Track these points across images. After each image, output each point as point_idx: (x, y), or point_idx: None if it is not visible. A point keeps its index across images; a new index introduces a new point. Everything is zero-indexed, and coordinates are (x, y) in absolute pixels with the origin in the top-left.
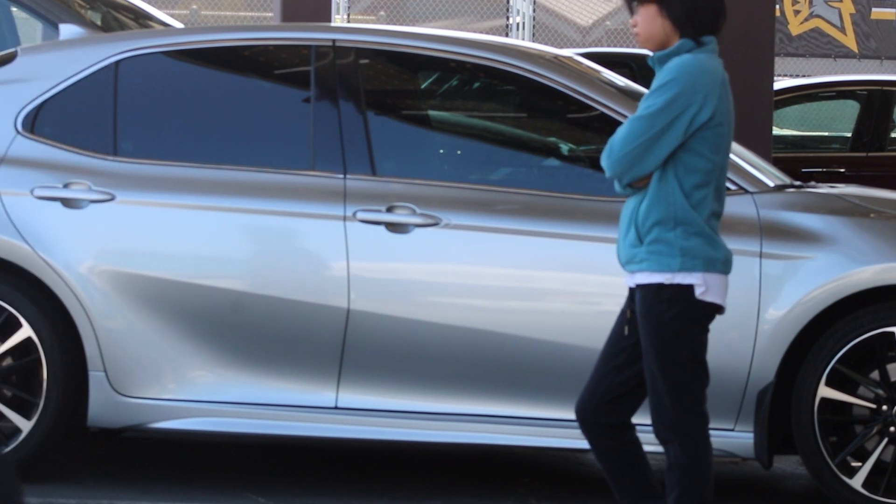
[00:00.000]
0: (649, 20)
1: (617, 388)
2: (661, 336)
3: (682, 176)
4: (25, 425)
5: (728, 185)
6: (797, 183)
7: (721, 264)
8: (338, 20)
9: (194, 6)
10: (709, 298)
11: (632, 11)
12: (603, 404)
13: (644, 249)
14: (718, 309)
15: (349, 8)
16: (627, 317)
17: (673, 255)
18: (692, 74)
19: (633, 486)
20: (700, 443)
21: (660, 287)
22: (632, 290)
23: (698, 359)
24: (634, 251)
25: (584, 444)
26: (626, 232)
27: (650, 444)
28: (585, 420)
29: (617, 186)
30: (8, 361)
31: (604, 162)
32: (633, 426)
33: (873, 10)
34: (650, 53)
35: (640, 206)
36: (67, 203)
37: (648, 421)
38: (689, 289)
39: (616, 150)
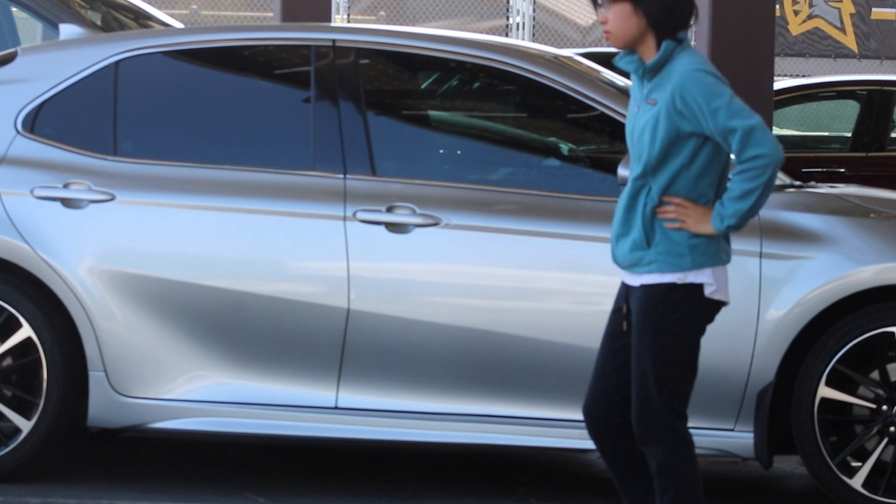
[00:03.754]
0: (623, 18)
1: (623, 386)
2: (663, 337)
3: (699, 175)
4: (25, 425)
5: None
6: (797, 183)
7: (725, 255)
8: (338, 20)
9: (194, 6)
10: (717, 296)
11: (597, 7)
12: (613, 404)
13: (652, 251)
14: (724, 304)
15: (349, 8)
16: (624, 312)
17: (682, 255)
18: (708, 65)
19: (639, 485)
20: (688, 439)
21: (671, 287)
22: (627, 287)
23: (693, 361)
24: (641, 254)
25: (584, 443)
26: (625, 234)
27: None
28: (595, 421)
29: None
30: (8, 361)
31: (767, 158)
32: None
33: (873, 10)
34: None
35: (644, 207)
36: (67, 203)
37: None
38: (700, 288)
39: (773, 143)
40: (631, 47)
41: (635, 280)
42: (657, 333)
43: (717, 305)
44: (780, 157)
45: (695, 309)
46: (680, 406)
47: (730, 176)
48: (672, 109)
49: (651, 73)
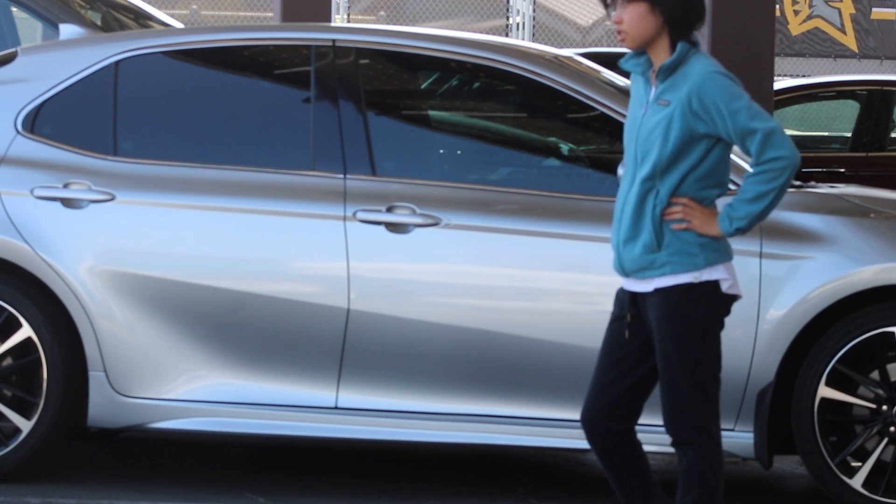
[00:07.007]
0: (639, 18)
1: (626, 393)
2: (687, 337)
3: (705, 176)
4: (25, 425)
5: (728, 185)
6: (797, 183)
7: (731, 249)
8: (338, 20)
9: (194, 6)
10: (733, 291)
11: (608, 8)
12: (615, 411)
13: (663, 253)
14: (737, 298)
15: (349, 8)
16: (628, 321)
17: (694, 254)
18: (723, 68)
19: (640, 489)
20: (719, 441)
21: (689, 287)
22: (631, 295)
23: (719, 357)
24: (652, 257)
25: (584, 443)
26: (634, 238)
27: (650, 444)
28: (595, 429)
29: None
30: (8, 361)
31: (786, 161)
32: (634, 428)
33: (873, 10)
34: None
35: (654, 210)
36: (67, 203)
37: (650, 421)
38: (716, 285)
39: (792, 146)
40: (644, 48)
41: (646, 285)
42: (682, 335)
43: (732, 299)
44: (797, 160)
45: (714, 305)
46: (713, 404)
47: (733, 179)
48: (687, 110)
49: (665, 73)
